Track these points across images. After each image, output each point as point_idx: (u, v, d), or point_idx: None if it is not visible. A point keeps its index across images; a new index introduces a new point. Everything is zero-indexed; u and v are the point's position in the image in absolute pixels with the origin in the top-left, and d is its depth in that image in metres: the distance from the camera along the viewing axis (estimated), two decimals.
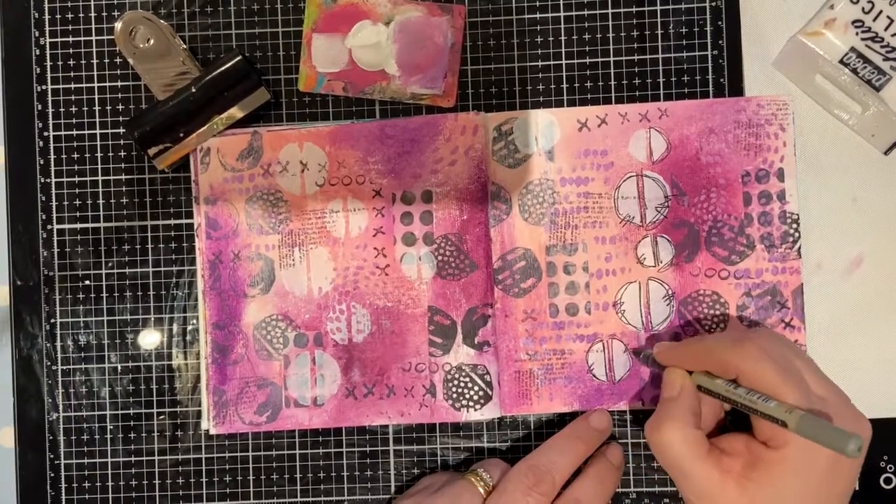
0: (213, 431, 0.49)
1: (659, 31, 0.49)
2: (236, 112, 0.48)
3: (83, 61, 0.50)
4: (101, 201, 0.50)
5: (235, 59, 0.47)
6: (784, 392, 0.39)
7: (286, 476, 0.49)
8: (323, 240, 0.49)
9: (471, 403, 0.48)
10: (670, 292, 0.48)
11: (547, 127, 0.48)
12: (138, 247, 0.50)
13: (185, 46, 0.47)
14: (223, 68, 0.47)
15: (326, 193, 0.49)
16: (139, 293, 0.50)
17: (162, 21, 0.47)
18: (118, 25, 0.47)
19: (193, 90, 0.47)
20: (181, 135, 0.48)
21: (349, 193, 0.49)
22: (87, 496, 0.50)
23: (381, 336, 0.48)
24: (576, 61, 0.49)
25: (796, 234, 0.48)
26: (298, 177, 0.49)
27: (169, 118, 0.47)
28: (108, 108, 0.50)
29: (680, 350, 0.45)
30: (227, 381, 0.48)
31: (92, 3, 0.50)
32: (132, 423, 0.50)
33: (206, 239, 0.49)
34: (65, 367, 0.50)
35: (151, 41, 0.47)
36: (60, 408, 0.50)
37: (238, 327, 0.49)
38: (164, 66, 0.47)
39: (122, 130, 0.50)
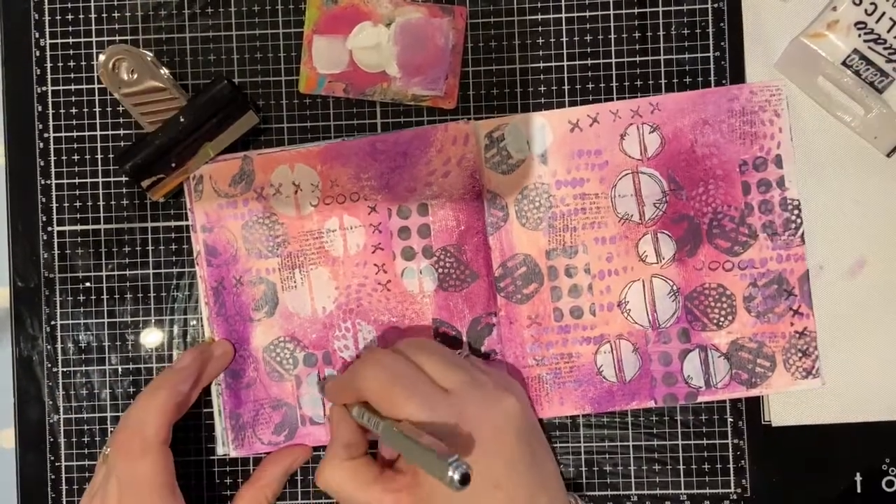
0: (233, 454, 0.49)
1: (661, 33, 0.48)
2: (226, 138, 0.47)
3: (83, 62, 0.50)
4: (101, 203, 0.50)
5: (221, 85, 0.46)
6: (392, 398, 0.40)
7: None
8: (322, 260, 0.48)
9: None
10: (675, 288, 0.48)
11: (539, 130, 0.48)
12: (139, 248, 0.50)
13: (168, 74, 0.47)
14: (209, 94, 0.46)
15: (322, 213, 0.48)
16: (139, 295, 0.50)
17: (144, 50, 0.47)
18: (101, 59, 0.47)
19: (182, 119, 0.47)
20: (173, 164, 0.47)
21: (344, 211, 0.48)
22: None
23: None
24: (577, 63, 0.48)
25: (798, 221, 0.47)
26: (292, 198, 0.48)
27: (158, 148, 0.47)
28: (109, 109, 0.50)
29: (332, 386, 0.45)
30: (241, 404, 0.49)
31: (92, 3, 0.50)
32: None
33: (206, 266, 0.49)
34: (65, 369, 0.50)
35: (136, 74, 0.47)
36: (61, 410, 0.50)
37: (248, 351, 0.49)
38: (150, 96, 0.47)
39: (121, 133, 0.50)
